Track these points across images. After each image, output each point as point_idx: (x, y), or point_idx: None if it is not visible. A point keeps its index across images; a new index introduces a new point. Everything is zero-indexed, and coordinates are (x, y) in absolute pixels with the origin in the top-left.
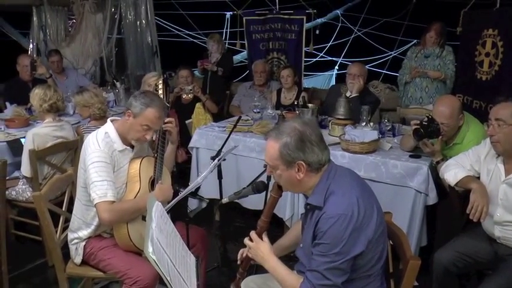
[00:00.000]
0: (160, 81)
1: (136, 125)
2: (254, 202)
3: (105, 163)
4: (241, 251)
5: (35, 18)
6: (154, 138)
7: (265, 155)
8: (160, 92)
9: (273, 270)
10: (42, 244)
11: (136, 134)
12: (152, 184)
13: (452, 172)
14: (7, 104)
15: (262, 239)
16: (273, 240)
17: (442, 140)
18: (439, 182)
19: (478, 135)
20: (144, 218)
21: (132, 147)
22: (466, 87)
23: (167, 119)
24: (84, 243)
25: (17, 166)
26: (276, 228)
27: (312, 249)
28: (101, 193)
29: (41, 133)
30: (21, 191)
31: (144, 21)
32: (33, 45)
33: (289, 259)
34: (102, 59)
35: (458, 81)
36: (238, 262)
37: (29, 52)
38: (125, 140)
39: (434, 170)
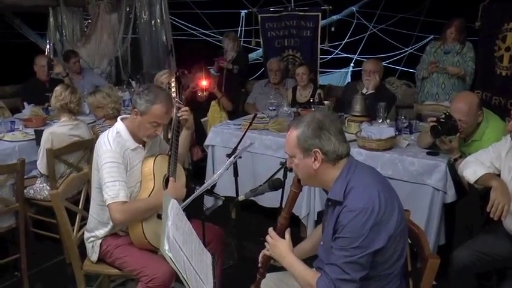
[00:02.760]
0: (173, 79)
1: (144, 123)
2: (270, 200)
3: (117, 163)
4: (262, 252)
5: (51, 19)
6: (170, 137)
7: (285, 144)
8: (173, 90)
9: (290, 266)
10: (60, 242)
11: (146, 131)
12: (166, 182)
13: (472, 169)
14: (25, 103)
15: (284, 235)
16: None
17: (460, 137)
18: (457, 180)
19: (498, 132)
20: (159, 217)
21: (144, 145)
22: (485, 83)
23: (183, 108)
24: (100, 241)
25: (35, 165)
26: (292, 227)
27: (332, 244)
28: (113, 194)
29: (58, 132)
30: (39, 190)
31: (159, 21)
32: (49, 45)
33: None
34: (117, 59)
35: (477, 76)
36: (260, 264)
37: (46, 52)
38: (136, 138)
39: (452, 168)
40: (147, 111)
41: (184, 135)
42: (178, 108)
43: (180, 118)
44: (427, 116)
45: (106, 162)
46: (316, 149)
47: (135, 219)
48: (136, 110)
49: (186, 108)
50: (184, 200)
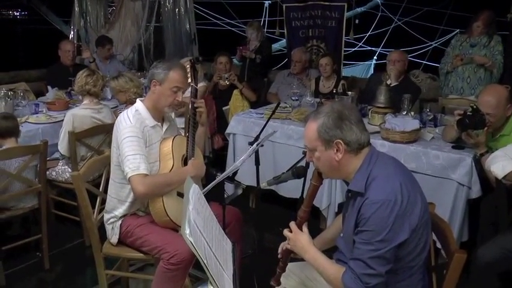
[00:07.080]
0: (189, 65)
1: (165, 91)
2: (290, 190)
3: (137, 137)
4: (281, 245)
5: (76, 6)
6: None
7: (304, 137)
8: (188, 75)
9: (313, 260)
10: (80, 224)
11: (167, 99)
12: (185, 162)
13: (500, 164)
14: (49, 87)
15: (302, 229)
16: (310, 230)
17: (488, 132)
18: (483, 175)
19: None
20: (179, 194)
21: (163, 123)
22: None
23: (198, 101)
24: (120, 221)
25: (57, 148)
26: (312, 218)
27: (355, 237)
28: (134, 166)
29: (80, 114)
30: (60, 172)
31: (182, 9)
32: (73, 31)
33: (327, 248)
34: (140, 46)
35: (506, 70)
36: (279, 256)
37: (70, 38)
38: (155, 116)
39: (478, 162)
40: (166, 78)
41: (200, 132)
42: (193, 103)
43: (197, 110)
44: (453, 110)
45: (126, 137)
46: (338, 140)
47: (155, 193)
48: (155, 80)
49: (202, 100)
50: (205, 186)
